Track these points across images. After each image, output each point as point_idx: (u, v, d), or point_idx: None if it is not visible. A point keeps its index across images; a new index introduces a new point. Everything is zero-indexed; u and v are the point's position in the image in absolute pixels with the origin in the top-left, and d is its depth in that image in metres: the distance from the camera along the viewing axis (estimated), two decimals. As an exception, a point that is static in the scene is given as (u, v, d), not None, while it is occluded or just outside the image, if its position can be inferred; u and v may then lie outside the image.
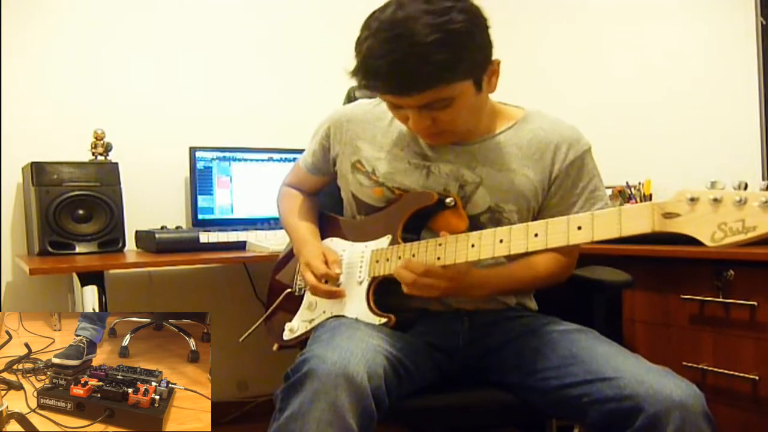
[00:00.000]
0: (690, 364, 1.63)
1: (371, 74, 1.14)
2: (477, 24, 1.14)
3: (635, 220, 0.98)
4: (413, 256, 1.23)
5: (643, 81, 2.32)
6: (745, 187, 0.90)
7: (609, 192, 2.13)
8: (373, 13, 1.16)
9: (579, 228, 1.04)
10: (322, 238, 1.45)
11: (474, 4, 1.16)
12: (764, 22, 1.97)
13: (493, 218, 1.29)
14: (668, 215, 0.95)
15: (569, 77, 2.60)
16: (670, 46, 2.24)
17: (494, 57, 1.21)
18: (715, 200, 0.90)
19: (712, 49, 2.12)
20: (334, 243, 1.42)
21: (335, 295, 1.32)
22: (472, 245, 1.15)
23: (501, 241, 1.12)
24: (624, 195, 2.18)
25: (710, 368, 1.60)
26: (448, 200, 1.28)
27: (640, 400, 1.02)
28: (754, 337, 1.52)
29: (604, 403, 1.07)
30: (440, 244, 1.20)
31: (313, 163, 1.51)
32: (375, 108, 1.41)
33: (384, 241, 1.31)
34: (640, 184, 2.18)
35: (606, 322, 1.43)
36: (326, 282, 1.33)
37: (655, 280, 1.71)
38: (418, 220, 1.30)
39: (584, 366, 1.12)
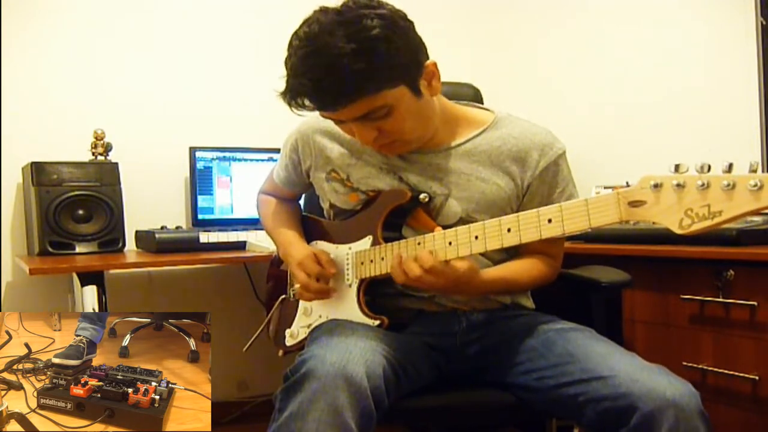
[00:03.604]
0: (690, 364, 1.63)
1: (297, 93, 1.14)
2: (395, 28, 1.12)
3: (602, 211, 0.99)
4: None
5: (643, 81, 2.32)
6: (708, 169, 0.89)
7: (609, 192, 2.13)
8: (295, 30, 1.17)
9: (549, 221, 1.04)
10: (308, 241, 1.45)
11: (392, 8, 1.15)
12: (764, 22, 1.97)
13: None
14: (634, 203, 0.94)
15: (569, 77, 2.60)
16: (670, 45, 2.24)
17: (431, 59, 1.20)
18: (679, 185, 0.90)
19: (712, 49, 2.12)
20: (320, 246, 1.42)
21: (327, 294, 1.32)
22: (450, 243, 1.16)
23: (476, 237, 1.13)
24: (624, 195, 2.18)
25: (710, 368, 1.60)
26: (422, 196, 1.28)
27: (635, 399, 1.02)
28: (754, 337, 1.52)
29: (599, 401, 1.07)
30: (419, 243, 1.20)
31: (286, 176, 1.51)
32: None
33: (366, 242, 1.31)
34: (640, 184, 2.17)
35: (606, 322, 1.43)
36: (318, 280, 1.32)
37: (655, 280, 1.71)
38: (396, 218, 1.31)
39: (580, 365, 1.12)
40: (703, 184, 0.87)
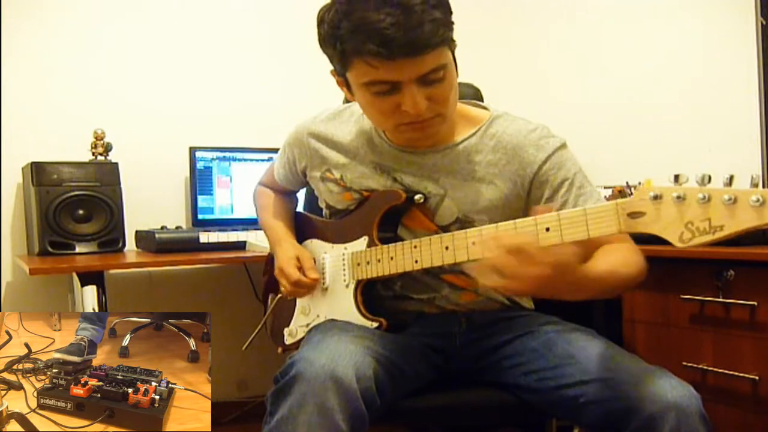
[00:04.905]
0: (690, 364, 1.63)
1: (370, 37, 1.07)
2: None
3: (601, 221, 0.97)
4: (391, 259, 1.23)
5: (642, 81, 2.32)
6: (708, 181, 0.88)
7: (609, 192, 2.13)
8: (333, 1, 1.13)
9: (547, 229, 1.02)
10: (303, 239, 1.45)
11: None
12: (764, 22, 1.97)
13: (464, 228, 1.20)
14: (633, 215, 0.93)
15: (569, 77, 2.60)
16: (670, 46, 2.24)
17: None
18: (679, 197, 0.88)
19: (712, 49, 2.12)
20: (314, 245, 1.42)
21: (312, 290, 1.35)
22: (446, 247, 1.15)
23: (473, 243, 1.12)
24: (624, 195, 2.18)
25: (710, 368, 1.60)
26: (417, 197, 1.27)
27: (636, 401, 1.02)
28: (754, 337, 1.52)
29: (599, 403, 1.06)
30: (415, 247, 1.19)
31: (284, 174, 1.51)
32: (337, 116, 1.39)
33: (362, 243, 1.31)
34: (640, 184, 2.17)
35: (606, 322, 1.43)
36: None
37: (655, 280, 1.71)
38: (392, 219, 1.30)
39: (580, 366, 1.12)
40: (704, 197, 0.86)
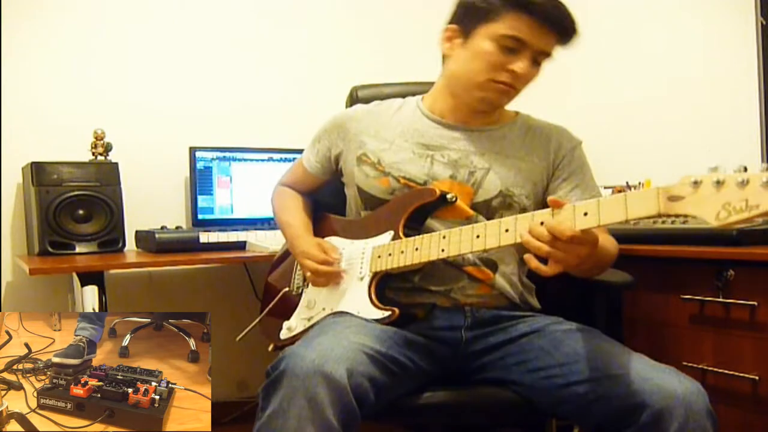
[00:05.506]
0: (690, 364, 1.63)
1: (538, 2, 1.25)
2: None
3: (641, 203, 1.00)
4: (416, 250, 1.24)
5: (642, 80, 2.32)
6: (745, 170, 0.92)
7: (609, 192, 2.13)
8: None
9: (585, 214, 1.04)
10: (321, 237, 1.45)
11: None
12: (764, 22, 1.97)
13: (505, 203, 1.34)
14: (673, 198, 0.97)
15: (569, 77, 2.59)
16: (670, 45, 2.24)
17: None
18: (718, 182, 0.92)
19: (712, 49, 2.12)
20: (333, 241, 1.43)
21: (337, 276, 1.35)
22: (477, 236, 1.17)
23: (506, 230, 1.13)
24: (624, 195, 2.18)
25: (710, 368, 1.60)
26: (449, 196, 1.30)
27: (645, 397, 1.03)
28: (754, 337, 1.52)
29: (609, 399, 1.07)
30: (444, 237, 1.20)
31: (317, 161, 1.52)
32: (376, 107, 1.46)
33: (386, 237, 1.32)
34: (640, 184, 2.17)
35: (606, 321, 1.44)
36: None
37: (655, 280, 1.71)
38: (420, 215, 1.32)
39: (589, 364, 1.13)
40: (742, 181, 0.90)
